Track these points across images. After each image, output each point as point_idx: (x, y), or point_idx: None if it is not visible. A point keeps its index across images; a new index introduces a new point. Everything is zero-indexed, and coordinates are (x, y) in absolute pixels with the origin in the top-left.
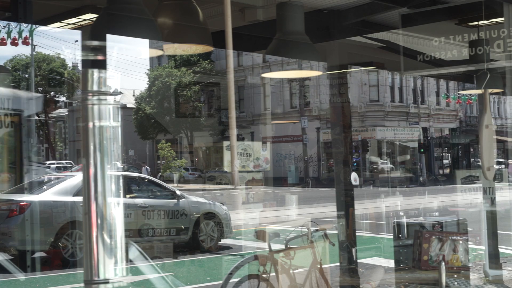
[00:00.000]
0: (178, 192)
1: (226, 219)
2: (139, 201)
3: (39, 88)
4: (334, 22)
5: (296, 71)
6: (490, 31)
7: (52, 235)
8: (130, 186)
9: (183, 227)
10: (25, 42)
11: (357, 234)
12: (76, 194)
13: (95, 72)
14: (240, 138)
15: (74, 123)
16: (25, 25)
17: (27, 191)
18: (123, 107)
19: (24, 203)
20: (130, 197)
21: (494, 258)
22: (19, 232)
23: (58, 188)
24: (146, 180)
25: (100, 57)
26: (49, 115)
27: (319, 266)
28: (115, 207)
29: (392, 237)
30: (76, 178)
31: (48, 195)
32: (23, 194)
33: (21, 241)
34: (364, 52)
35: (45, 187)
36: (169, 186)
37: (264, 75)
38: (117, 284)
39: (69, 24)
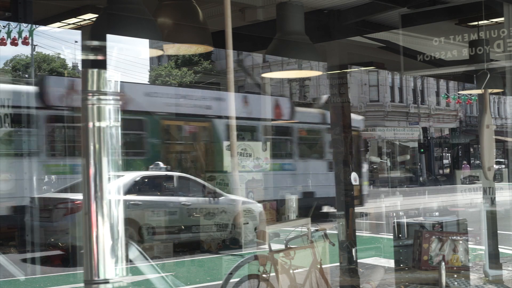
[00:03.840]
0: (218, 191)
1: (261, 215)
2: (182, 199)
3: None
4: (334, 22)
5: (296, 71)
6: (490, 31)
7: None
8: (174, 185)
9: (223, 224)
10: (25, 42)
11: (357, 234)
12: (126, 192)
13: (95, 72)
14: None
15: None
16: (25, 25)
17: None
18: None
19: (80, 201)
20: (174, 195)
21: (494, 258)
22: (75, 229)
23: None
24: (188, 179)
25: (100, 57)
26: None
27: (319, 266)
28: (116, 207)
29: (392, 237)
30: (125, 178)
31: None
32: (78, 193)
33: (77, 237)
34: (364, 52)
35: None
36: (209, 185)
37: (264, 75)
38: (117, 284)
39: (69, 24)
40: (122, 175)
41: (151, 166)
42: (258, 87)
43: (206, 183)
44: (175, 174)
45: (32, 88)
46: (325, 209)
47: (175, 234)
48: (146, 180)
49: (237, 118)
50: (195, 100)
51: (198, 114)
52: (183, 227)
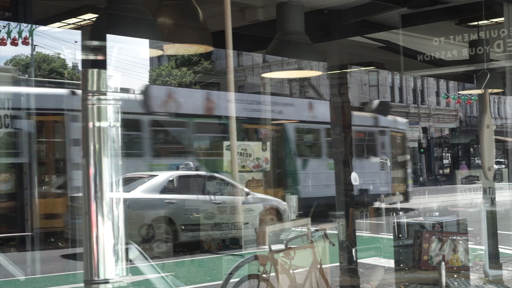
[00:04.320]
0: (246, 189)
1: (285, 213)
2: (214, 198)
3: None
4: (334, 22)
5: (296, 71)
6: (490, 31)
7: (144, 229)
8: (205, 184)
9: (250, 221)
10: (25, 42)
11: (357, 234)
12: (162, 191)
13: (95, 72)
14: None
15: None
16: (25, 25)
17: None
18: None
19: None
20: (205, 194)
21: (494, 258)
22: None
23: (146, 186)
24: (217, 178)
25: (100, 57)
26: None
27: (319, 266)
28: (116, 207)
29: (392, 237)
30: (159, 177)
31: (137, 193)
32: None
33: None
34: (364, 52)
35: (132, 185)
36: (237, 183)
37: (264, 75)
38: (117, 284)
39: (69, 24)
40: (157, 175)
41: (181, 166)
42: (318, 94)
43: (234, 182)
44: (205, 173)
45: (138, 96)
46: (377, 204)
47: (207, 231)
48: (179, 179)
49: (303, 122)
50: (269, 106)
51: (270, 118)
52: (214, 224)
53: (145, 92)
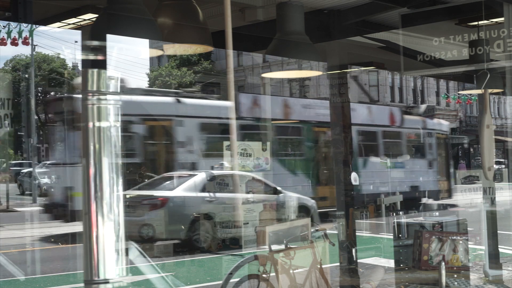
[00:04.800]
0: (278, 188)
1: (314, 210)
2: (248, 196)
3: (39, 88)
4: (334, 22)
5: (296, 71)
6: (490, 31)
7: (186, 225)
8: (239, 182)
9: (282, 218)
10: (25, 42)
11: (357, 234)
12: (202, 190)
13: (95, 72)
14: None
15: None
16: (25, 25)
17: (160, 188)
18: None
19: (164, 198)
20: (242, 193)
21: (494, 258)
22: (158, 223)
23: (187, 185)
24: (251, 177)
25: (100, 57)
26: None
27: (319, 266)
28: (116, 207)
29: (392, 237)
30: (199, 177)
31: (179, 191)
32: (161, 190)
33: (159, 231)
34: (364, 52)
35: (174, 184)
36: (269, 182)
37: (264, 75)
38: (117, 284)
39: (69, 24)
40: (196, 174)
41: (216, 166)
42: (370, 99)
43: (266, 181)
44: (240, 173)
45: (229, 103)
46: (424, 200)
47: (240, 228)
48: (216, 178)
49: (363, 124)
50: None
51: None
52: (248, 221)
53: (235, 99)
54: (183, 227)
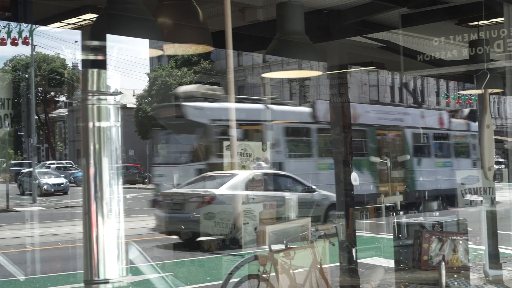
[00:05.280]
0: (313, 186)
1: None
2: (286, 194)
3: (39, 88)
4: (334, 22)
5: (296, 71)
6: (490, 31)
7: (230, 221)
8: (277, 182)
9: (316, 216)
10: (25, 42)
11: (357, 234)
12: (244, 188)
13: (95, 72)
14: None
15: (74, 123)
16: (25, 25)
17: (205, 186)
18: (123, 107)
19: (211, 196)
20: (279, 190)
21: (494, 258)
22: (205, 220)
23: (231, 183)
24: (287, 176)
25: (100, 57)
26: (49, 115)
27: (319, 266)
28: (116, 206)
29: (392, 237)
30: (241, 175)
31: (224, 190)
32: (207, 188)
33: (206, 227)
34: (364, 52)
35: (218, 182)
36: (305, 181)
37: (264, 75)
38: (117, 284)
39: (69, 24)
40: (238, 173)
41: (253, 165)
42: (418, 103)
43: (302, 180)
44: (277, 172)
45: (308, 109)
46: (467, 196)
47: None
48: (257, 177)
49: (416, 127)
50: (393, 115)
51: (395, 125)
52: (288, 217)
53: (313, 105)
54: (229, 224)
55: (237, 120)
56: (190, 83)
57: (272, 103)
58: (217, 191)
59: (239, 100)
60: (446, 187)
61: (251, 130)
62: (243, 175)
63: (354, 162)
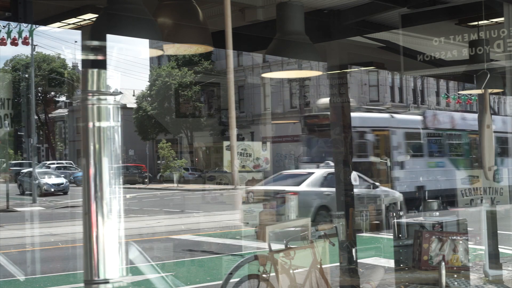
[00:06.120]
0: (376, 183)
1: (403, 203)
2: (355, 190)
3: (39, 88)
4: (334, 22)
5: (296, 71)
6: (490, 31)
7: (311, 216)
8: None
9: (379, 210)
10: (25, 42)
11: (357, 234)
12: (321, 185)
13: (95, 72)
14: (240, 138)
15: (74, 123)
16: (25, 25)
17: (286, 184)
18: (123, 107)
19: (294, 192)
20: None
21: (494, 258)
22: (290, 214)
23: (310, 181)
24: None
25: (100, 57)
26: (49, 115)
27: (319, 266)
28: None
29: (392, 237)
30: (317, 174)
31: (304, 187)
32: (290, 186)
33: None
34: (364, 52)
35: (299, 180)
36: (368, 178)
37: (264, 75)
38: (117, 284)
39: (69, 24)
40: (313, 172)
41: (321, 165)
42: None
43: (364, 176)
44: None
45: (419, 117)
46: None
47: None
48: (330, 175)
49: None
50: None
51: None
52: (358, 212)
53: (423, 114)
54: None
55: (369, 127)
56: (190, 83)
57: (388, 112)
58: (298, 188)
59: (367, 110)
60: None
61: (381, 135)
62: (318, 173)
63: (453, 162)
